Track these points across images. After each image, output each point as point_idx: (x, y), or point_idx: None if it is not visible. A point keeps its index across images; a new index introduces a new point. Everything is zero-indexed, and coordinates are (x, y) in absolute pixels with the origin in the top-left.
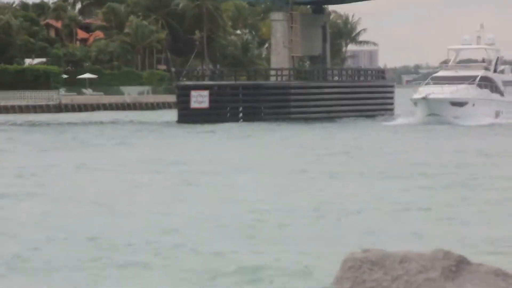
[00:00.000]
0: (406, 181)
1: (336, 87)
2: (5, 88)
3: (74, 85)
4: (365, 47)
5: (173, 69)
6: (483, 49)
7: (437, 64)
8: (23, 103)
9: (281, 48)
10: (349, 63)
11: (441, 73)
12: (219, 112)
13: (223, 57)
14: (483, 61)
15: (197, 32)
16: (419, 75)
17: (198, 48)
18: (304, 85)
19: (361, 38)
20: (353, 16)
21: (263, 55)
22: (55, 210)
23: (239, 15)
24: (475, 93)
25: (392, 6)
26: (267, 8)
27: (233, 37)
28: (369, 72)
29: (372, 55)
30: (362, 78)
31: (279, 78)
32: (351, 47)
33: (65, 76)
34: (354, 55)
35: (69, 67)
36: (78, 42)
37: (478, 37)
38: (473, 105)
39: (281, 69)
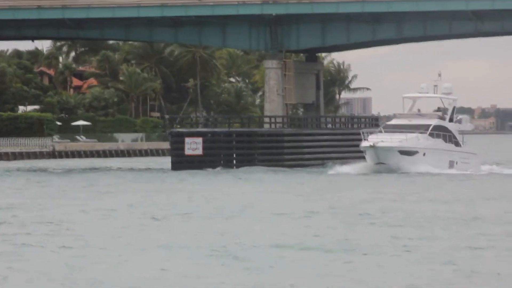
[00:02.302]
0: None
1: (330, 134)
2: None
3: (68, 132)
4: (358, 95)
5: (166, 116)
6: (439, 98)
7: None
8: (17, 149)
9: (275, 95)
10: (343, 110)
11: (394, 121)
12: (213, 159)
13: (216, 105)
14: (439, 110)
15: (190, 79)
16: None
17: (192, 95)
18: (297, 133)
19: (354, 85)
20: (343, 62)
21: (257, 103)
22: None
23: (232, 63)
24: (427, 142)
25: (385, 54)
26: (261, 56)
27: (226, 85)
28: (363, 119)
29: (365, 103)
30: (355, 126)
31: (272, 126)
32: (345, 95)
33: (58, 123)
34: (348, 103)
35: (62, 114)
36: (71, 90)
37: (435, 86)
38: (424, 154)
39: (275, 117)
